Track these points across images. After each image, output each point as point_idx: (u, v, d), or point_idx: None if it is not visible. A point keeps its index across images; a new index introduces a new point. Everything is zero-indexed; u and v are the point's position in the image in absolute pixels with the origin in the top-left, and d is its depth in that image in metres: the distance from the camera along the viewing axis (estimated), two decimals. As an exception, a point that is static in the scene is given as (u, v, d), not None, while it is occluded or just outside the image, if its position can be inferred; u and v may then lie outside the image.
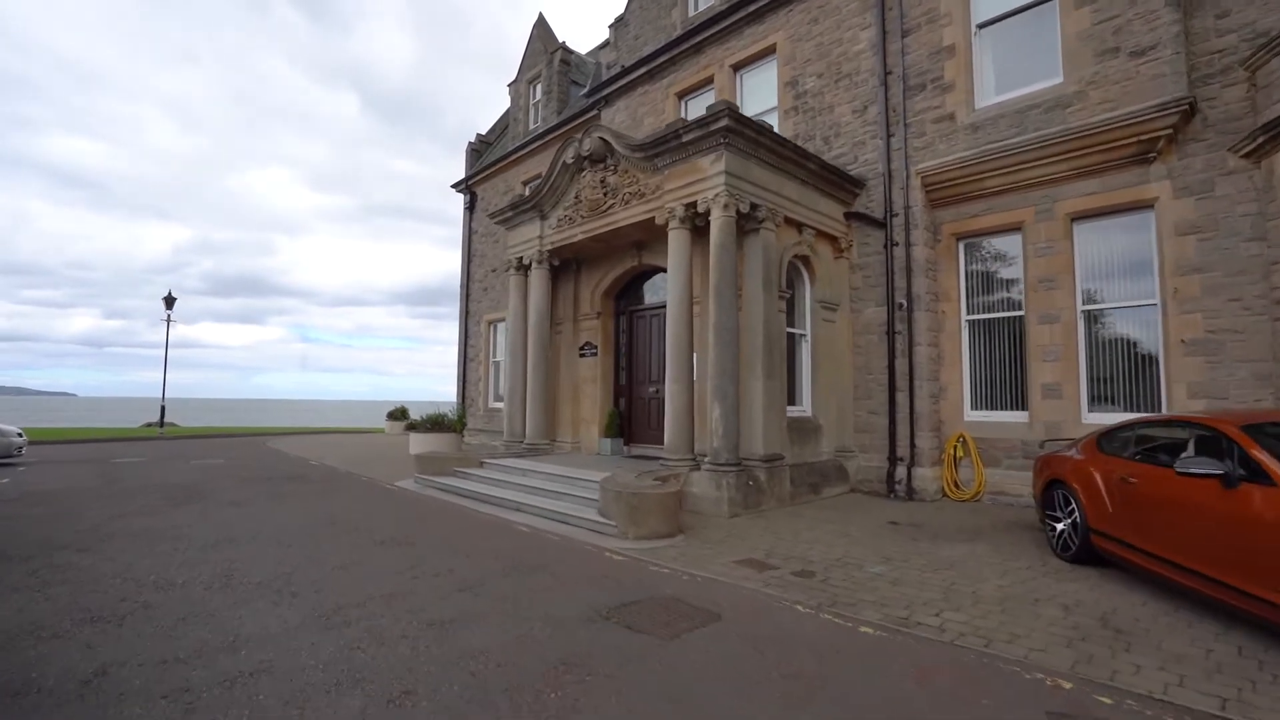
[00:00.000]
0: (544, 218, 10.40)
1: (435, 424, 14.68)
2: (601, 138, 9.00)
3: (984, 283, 8.80)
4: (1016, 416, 8.32)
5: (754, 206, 7.72)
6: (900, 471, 8.66)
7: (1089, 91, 7.41)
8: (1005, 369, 8.57)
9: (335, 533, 6.20)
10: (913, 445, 8.60)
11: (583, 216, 9.58)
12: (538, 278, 10.53)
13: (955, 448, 8.57)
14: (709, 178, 7.58)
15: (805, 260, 8.98)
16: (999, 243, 8.59)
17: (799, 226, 8.63)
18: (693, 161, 7.78)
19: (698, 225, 8.08)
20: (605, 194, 9.12)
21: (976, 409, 8.76)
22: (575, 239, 9.76)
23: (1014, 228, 8.33)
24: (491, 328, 18.67)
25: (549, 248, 10.32)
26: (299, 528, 6.41)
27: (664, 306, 10.11)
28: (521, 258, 10.75)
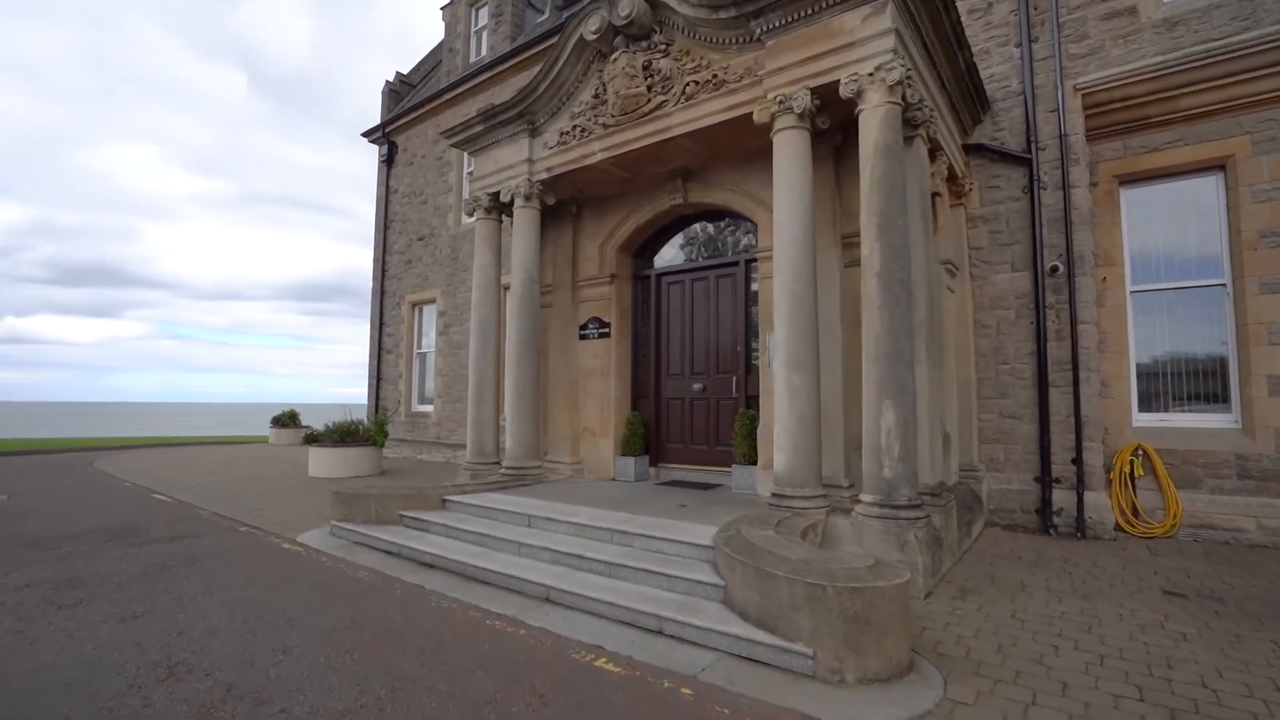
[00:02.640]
0: (535, 133, 7.04)
1: (346, 435, 10.75)
2: (649, -3, 5.86)
3: (1154, 242, 6.58)
4: (1217, 420, 6.13)
5: (919, 100, 4.93)
6: (1060, 497, 6.23)
7: (1368, -37, 5.32)
8: (1191, 357, 6.39)
9: None
10: (1080, 461, 6.19)
11: (605, 126, 6.36)
12: (524, 222, 7.15)
13: (1130, 464, 6.26)
14: (861, 42, 4.68)
15: (932, 200, 6.33)
16: (1185, 187, 6.39)
17: (933, 149, 5.96)
18: (827, 21, 4.85)
19: (818, 127, 5.19)
20: (651, 86, 5.98)
21: (1146, 410, 6.53)
22: (591, 160, 6.50)
23: (1214, 165, 6.14)
24: (416, 311, 14.74)
25: (542, 176, 6.98)
26: (85, 703, 2.77)
27: (713, 267, 7.12)
28: (498, 193, 7.30)
